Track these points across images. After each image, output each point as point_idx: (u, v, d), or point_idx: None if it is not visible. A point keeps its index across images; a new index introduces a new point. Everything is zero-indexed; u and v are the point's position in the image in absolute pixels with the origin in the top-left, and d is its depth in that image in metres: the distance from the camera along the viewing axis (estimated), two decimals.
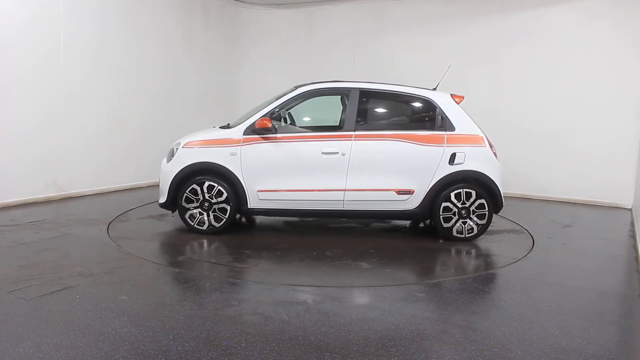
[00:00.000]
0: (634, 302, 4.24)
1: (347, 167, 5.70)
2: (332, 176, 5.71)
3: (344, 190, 5.71)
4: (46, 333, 3.24)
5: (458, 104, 5.91)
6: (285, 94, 5.97)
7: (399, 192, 5.73)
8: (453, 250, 5.57)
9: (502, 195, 5.83)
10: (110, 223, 6.17)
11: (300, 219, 6.74)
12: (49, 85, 7.25)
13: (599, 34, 8.24)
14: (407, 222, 6.73)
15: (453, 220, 5.78)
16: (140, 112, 8.77)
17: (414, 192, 5.73)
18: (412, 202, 5.77)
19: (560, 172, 8.66)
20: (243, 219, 6.84)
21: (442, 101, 5.87)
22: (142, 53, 8.71)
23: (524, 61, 8.78)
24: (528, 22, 8.72)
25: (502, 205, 5.87)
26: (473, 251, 5.57)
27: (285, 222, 6.70)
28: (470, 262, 5.24)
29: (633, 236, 6.37)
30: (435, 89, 6.06)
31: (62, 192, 7.55)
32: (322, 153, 5.71)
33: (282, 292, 4.14)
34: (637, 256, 5.46)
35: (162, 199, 5.91)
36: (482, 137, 5.82)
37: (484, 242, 5.89)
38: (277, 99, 5.93)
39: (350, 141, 5.71)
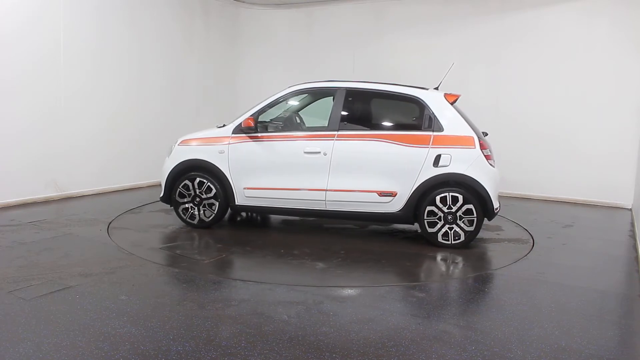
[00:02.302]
0: (634, 302, 4.24)
1: (328, 167, 5.65)
2: (314, 176, 5.68)
3: (326, 190, 5.67)
4: (46, 333, 3.24)
5: (452, 102, 5.65)
6: (275, 94, 6.05)
7: (381, 194, 5.55)
8: (438, 256, 5.33)
9: (494, 200, 5.48)
10: (110, 223, 6.18)
11: (301, 218, 6.74)
12: (49, 85, 7.25)
13: (599, 34, 8.24)
14: (418, 227, 6.56)
15: (438, 225, 5.49)
16: (140, 112, 8.77)
17: (396, 194, 5.52)
18: (394, 205, 5.56)
19: (560, 172, 8.66)
20: (259, 217, 6.95)
21: (432, 100, 5.62)
22: (142, 53, 8.71)
23: (524, 61, 8.78)
24: (528, 22, 8.72)
25: (494, 212, 5.51)
26: (471, 251, 5.56)
27: (284, 221, 6.72)
28: (470, 262, 5.23)
29: (633, 236, 6.37)
30: (437, 88, 5.96)
31: (62, 192, 7.54)
32: (305, 152, 5.71)
33: (282, 292, 4.14)
34: (637, 256, 5.46)
35: (161, 194, 6.20)
36: (472, 138, 5.47)
37: (483, 242, 5.88)
38: (267, 99, 6.04)
39: (333, 141, 5.67)
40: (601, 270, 5.10)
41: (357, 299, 4.14)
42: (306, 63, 10.44)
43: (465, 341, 3.34)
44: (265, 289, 4.20)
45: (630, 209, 7.98)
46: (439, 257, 5.34)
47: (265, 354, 3.07)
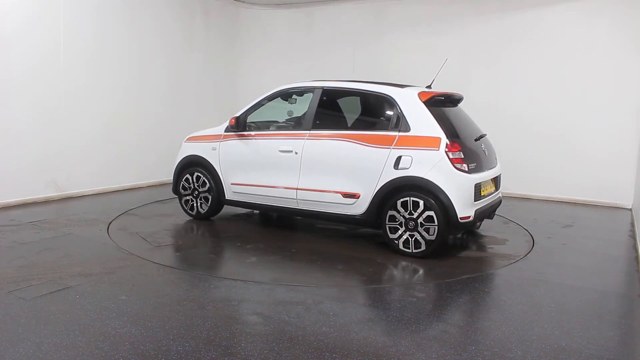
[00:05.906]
0: (634, 302, 4.24)
1: (299, 165, 5.70)
2: (287, 174, 5.77)
3: (297, 189, 5.71)
4: (46, 333, 3.24)
5: (425, 101, 5.24)
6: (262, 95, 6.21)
7: (345, 195, 5.40)
8: (386, 263, 5.00)
9: (461, 209, 4.94)
10: (110, 223, 6.18)
11: (301, 218, 6.73)
12: (49, 84, 7.25)
13: (599, 34, 8.23)
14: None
15: (399, 232, 5.15)
16: (141, 112, 8.76)
17: (359, 196, 5.32)
18: (358, 207, 5.36)
19: (560, 172, 8.65)
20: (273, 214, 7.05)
21: (403, 99, 5.31)
22: (142, 53, 8.71)
23: (524, 61, 8.77)
24: (528, 22, 8.71)
25: (459, 222, 4.94)
26: (474, 248, 5.56)
27: (290, 220, 6.76)
28: (471, 262, 5.22)
29: (633, 236, 6.37)
30: (429, 86, 5.90)
31: (62, 192, 7.54)
32: (279, 151, 5.82)
33: (282, 292, 4.14)
34: (637, 256, 5.46)
35: (172, 186, 6.72)
36: (438, 139, 5.01)
37: (482, 242, 5.88)
38: (256, 99, 6.20)
39: (304, 140, 5.71)
40: (601, 270, 5.10)
41: (357, 298, 4.14)
42: (306, 63, 10.42)
43: (465, 341, 3.34)
44: (265, 288, 4.20)
45: (630, 209, 7.98)
46: (382, 265, 4.98)
47: (265, 354, 3.07)
